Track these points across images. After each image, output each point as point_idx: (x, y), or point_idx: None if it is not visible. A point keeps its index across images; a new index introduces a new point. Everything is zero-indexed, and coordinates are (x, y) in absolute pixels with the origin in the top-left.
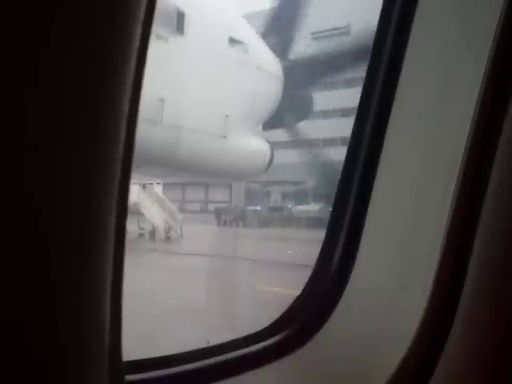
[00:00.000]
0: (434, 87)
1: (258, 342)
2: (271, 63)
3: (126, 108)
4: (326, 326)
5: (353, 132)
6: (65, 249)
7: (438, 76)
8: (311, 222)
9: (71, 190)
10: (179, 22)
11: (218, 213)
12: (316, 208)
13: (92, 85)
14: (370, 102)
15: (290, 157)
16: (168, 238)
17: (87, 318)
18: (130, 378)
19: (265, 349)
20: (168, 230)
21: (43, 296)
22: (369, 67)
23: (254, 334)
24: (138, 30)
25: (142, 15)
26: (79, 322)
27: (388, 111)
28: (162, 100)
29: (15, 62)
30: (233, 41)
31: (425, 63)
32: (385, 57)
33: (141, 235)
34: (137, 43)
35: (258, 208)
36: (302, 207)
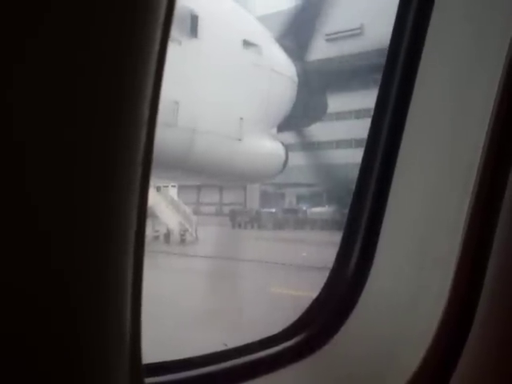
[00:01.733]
0: (449, 92)
1: (276, 345)
2: (285, 65)
3: (146, 109)
4: (343, 328)
5: (369, 135)
6: (85, 250)
7: (454, 81)
8: (326, 225)
9: (91, 191)
10: (193, 24)
11: (232, 215)
12: (331, 210)
13: (112, 85)
14: (386, 104)
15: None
16: (183, 241)
17: (108, 319)
18: (148, 380)
19: (282, 351)
20: (183, 233)
21: (62, 297)
22: (384, 70)
23: (271, 336)
24: (159, 31)
25: (162, 16)
26: (99, 323)
27: (404, 114)
28: (177, 102)
29: (33, 62)
30: (247, 43)
31: (440, 70)
32: (400, 62)
33: (155, 238)
34: (157, 44)
35: (273, 210)
36: (316, 209)
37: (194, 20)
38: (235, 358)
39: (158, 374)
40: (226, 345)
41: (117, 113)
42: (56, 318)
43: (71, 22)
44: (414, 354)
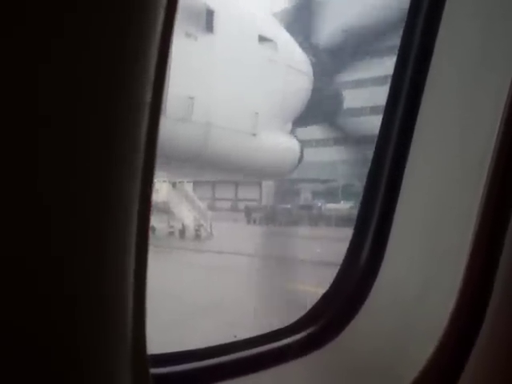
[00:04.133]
0: (462, 83)
1: (286, 337)
2: (301, 61)
3: (147, 100)
4: (354, 321)
5: (381, 129)
6: (81, 237)
7: (467, 72)
8: (341, 221)
9: (90, 179)
10: (208, 20)
11: (247, 211)
12: (346, 206)
13: (110, 76)
14: (398, 98)
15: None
16: (198, 236)
17: (107, 309)
18: (157, 371)
19: (292, 344)
20: (198, 228)
21: (58, 286)
22: (397, 62)
23: (281, 329)
24: (161, 17)
25: (164, 3)
26: (99, 312)
27: (416, 107)
28: (192, 98)
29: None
30: (262, 39)
31: (451, 66)
32: (411, 58)
33: (170, 233)
34: (159, 29)
35: (288, 206)
36: (332, 205)
37: (209, 15)
38: (245, 349)
39: (167, 365)
40: (235, 336)
41: (115, 103)
42: (54, 307)
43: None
44: (424, 348)
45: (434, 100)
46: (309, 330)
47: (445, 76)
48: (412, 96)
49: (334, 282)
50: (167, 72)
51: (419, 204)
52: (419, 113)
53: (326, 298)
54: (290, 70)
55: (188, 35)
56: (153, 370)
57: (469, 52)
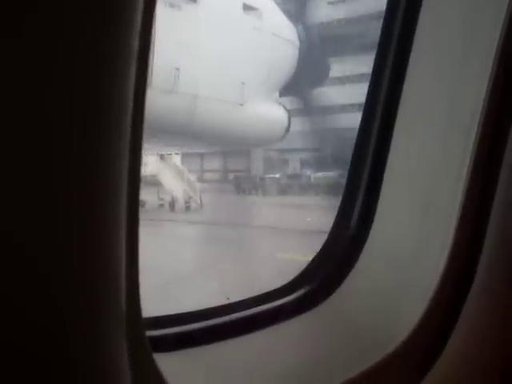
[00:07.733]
0: (449, 56)
1: (279, 299)
2: (286, 29)
3: (132, 73)
4: (346, 281)
5: (368, 94)
6: (70, 210)
7: (452, 47)
8: (330, 189)
9: (76, 147)
10: None
11: (236, 181)
12: (335, 174)
13: (93, 48)
14: (383, 69)
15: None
16: (188, 208)
17: (101, 278)
18: (153, 333)
19: (285, 304)
20: (187, 200)
21: (50, 259)
22: (382, 32)
23: (274, 290)
24: None
25: None
26: (92, 281)
27: (403, 75)
28: (178, 69)
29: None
30: (247, 7)
31: (436, 38)
32: (396, 29)
33: (160, 206)
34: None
35: (277, 176)
36: (320, 174)
37: None
38: (239, 311)
39: (163, 327)
40: (228, 298)
41: (97, 77)
42: (49, 279)
43: None
44: (417, 306)
45: (420, 66)
46: (301, 291)
47: (430, 46)
48: (398, 63)
49: (325, 243)
50: (152, 41)
51: (409, 164)
52: (406, 76)
53: (317, 259)
54: (276, 38)
55: (171, 5)
56: (148, 333)
57: (457, 10)
